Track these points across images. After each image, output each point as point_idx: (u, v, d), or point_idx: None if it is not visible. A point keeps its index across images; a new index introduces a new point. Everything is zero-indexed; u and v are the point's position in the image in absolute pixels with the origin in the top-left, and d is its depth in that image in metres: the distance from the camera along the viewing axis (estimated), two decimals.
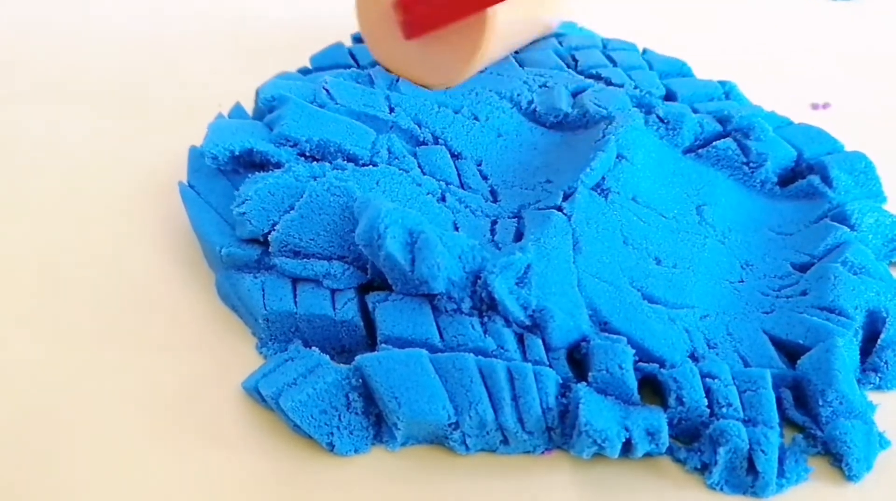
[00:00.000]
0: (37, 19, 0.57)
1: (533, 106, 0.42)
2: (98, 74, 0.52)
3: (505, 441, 0.30)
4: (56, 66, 0.52)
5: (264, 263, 0.34)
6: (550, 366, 0.31)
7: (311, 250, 0.33)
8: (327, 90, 0.41)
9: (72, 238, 0.39)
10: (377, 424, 0.30)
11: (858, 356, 0.32)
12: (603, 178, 0.37)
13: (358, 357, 0.30)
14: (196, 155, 0.39)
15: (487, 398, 0.29)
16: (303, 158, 0.37)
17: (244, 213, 0.34)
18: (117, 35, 0.56)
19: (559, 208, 0.35)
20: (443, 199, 0.37)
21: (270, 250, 0.34)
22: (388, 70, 0.42)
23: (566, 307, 0.31)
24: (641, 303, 0.33)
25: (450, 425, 0.29)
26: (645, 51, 0.49)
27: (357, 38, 0.48)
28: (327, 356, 0.31)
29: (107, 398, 0.32)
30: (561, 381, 0.30)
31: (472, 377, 0.29)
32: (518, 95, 0.43)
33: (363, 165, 0.37)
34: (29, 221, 0.40)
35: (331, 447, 0.29)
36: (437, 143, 0.39)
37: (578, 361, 0.32)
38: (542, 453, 0.30)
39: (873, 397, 0.32)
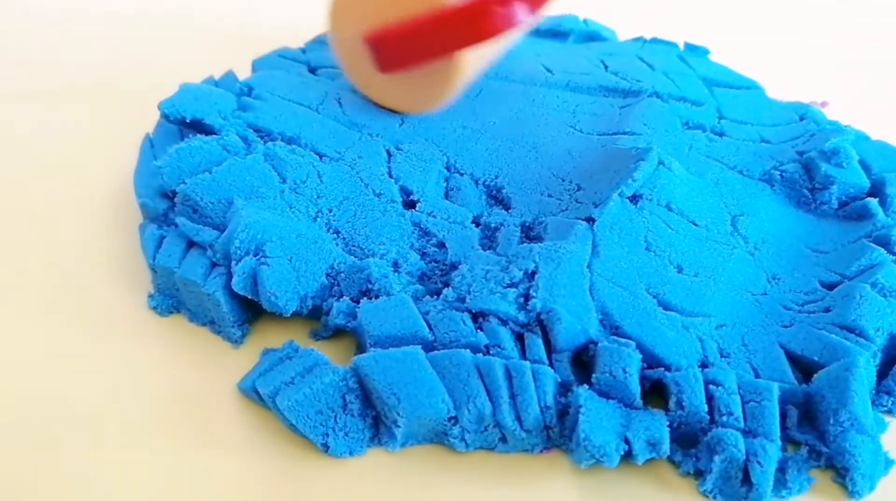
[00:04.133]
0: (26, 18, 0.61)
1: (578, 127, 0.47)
2: (91, 70, 0.56)
3: (503, 440, 0.34)
4: (48, 63, 0.57)
5: (170, 219, 0.40)
6: (553, 367, 0.35)
7: (207, 213, 0.39)
8: (339, 102, 0.47)
9: (60, 237, 0.43)
10: (374, 426, 0.34)
11: (875, 378, 0.36)
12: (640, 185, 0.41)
13: (354, 358, 0.34)
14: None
15: (485, 392, 0.33)
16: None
17: (160, 166, 0.40)
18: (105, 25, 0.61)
19: (590, 219, 0.40)
20: (412, 205, 0.42)
21: (175, 204, 0.40)
22: (365, 95, 0.47)
23: (575, 311, 0.35)
24: (656, 309, 0.37)
25: (449, 419, 0.33)
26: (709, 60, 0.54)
27: None
28: (326, 356, 0.35)
29: (99, 398, 0.35)
30: (560, 380, 0.34)
31: (469, 372, 0.34)
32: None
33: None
34: (20, 219, 0.44)
35: (325, 448, 0.33)
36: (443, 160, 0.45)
37: (586, 363, 0.36)
38: (540, 452, 0.34)
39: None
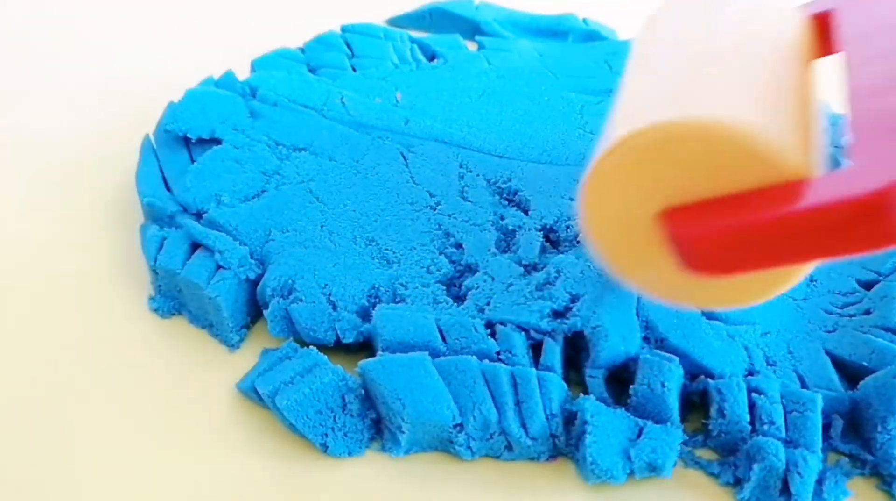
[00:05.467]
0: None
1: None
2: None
3: (509, 448, 0.34)
4: (47, 63, 0.57)
5: (176, 221, 0.40)
6: (586, 382, 0.35)
7: (237, 238, 0.39)
8: (343, 102, 0.47)
9: (60, 237, 0.43)
10: (374, 427, 0.34)
11: None
12: None
13: (360, 363, 0.34)
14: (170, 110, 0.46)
15: (491, 399, 0.33)
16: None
17: (189, 188, 0.41)
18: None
19: None
20: (433, 207, 0.42)
21: (184, 210, 0.41)
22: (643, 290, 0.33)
23: (620, 330, 0.35)
24: (700, 320, 0.37)
25: (455, 427, 0.33)
26: None
27: (346, 30, 0.54)
28: (325, 356, 0.35)
29: (99, 399, 0.36)
30: (567, 388, 0.34)
31: (475, 379, 0.34)
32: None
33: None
34: (20, 219, 0.44)
35: (324, 447, 0.34)
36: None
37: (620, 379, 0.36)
38: (547, 460, 0.34)
39: None
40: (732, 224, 0.27)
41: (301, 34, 0.53)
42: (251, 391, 0.35)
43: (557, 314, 0.36)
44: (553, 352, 0.35)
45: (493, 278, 0.37)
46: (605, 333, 0.35)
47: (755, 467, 0.32)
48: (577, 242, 0.39)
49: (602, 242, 0.31)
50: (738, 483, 0.33)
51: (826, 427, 0.33)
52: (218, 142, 0.44)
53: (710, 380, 0.34)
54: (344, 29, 0.54)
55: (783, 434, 0.33)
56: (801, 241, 0.27)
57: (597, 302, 0.36)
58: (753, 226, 0.27)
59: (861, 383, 0.34)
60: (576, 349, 0.36)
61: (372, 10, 0.58)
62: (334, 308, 0.37)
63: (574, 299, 0.36)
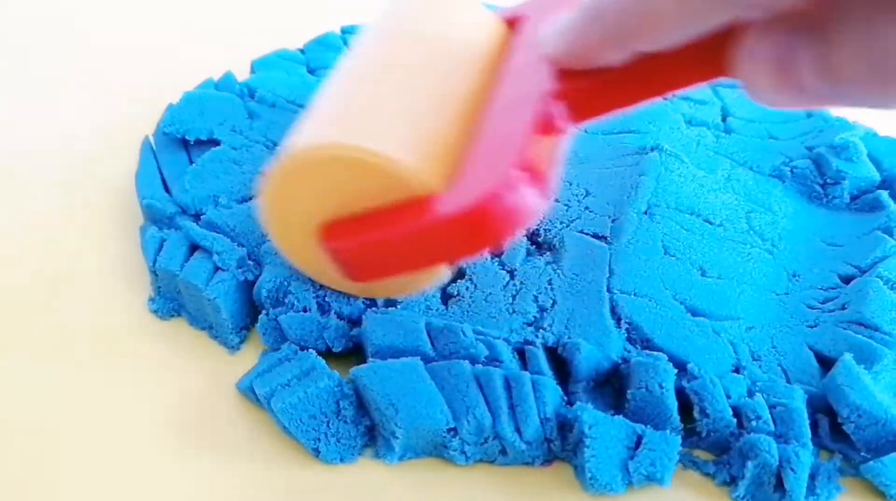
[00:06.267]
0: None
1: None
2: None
3: (503, 452, 0.34)
4: (47, 63, 0.57)
5: (174, 222, 0.40)
6: (568, 396, 0.35)
7: (234, 238, 0.39)
8: None
9: (59, 239, 0.43)
10: (370, 436, 0.34)
11: None
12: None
13: (352, 369, 0.35)
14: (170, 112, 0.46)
15: (485, 403, 0.33)
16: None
17: (187, 189, 0.41)
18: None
19: (607, 237, 0.40)
20: None
21: (184, 211, 0.41)
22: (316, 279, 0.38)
23: (594, 338, 0.35)
24: (684, 317, 0.37)
25: (449, 431, 0.33)
26: None
27: (346, 31, 0.54)
28: (323, 360, 0.35)
29: (98, 401, 0.36)
30: (561, 392, 0.34)
31: (467, 382, 0.34)
32: None
33: None
34: (19, 220, 0.44)
35: (316, 452, 0.34)
36: None
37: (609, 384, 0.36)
38: (542, 465, 0.34)
39: None
40: (367, 240, 0.32)
41: (301, 35, 0.53)
42: (249, 390, 0.35)
43: (532, 325, 0.36)
44: (537, 358, 0.35)
45: (475, 287, 0.37)
46: (577, 346, 0.35)
47: (749, 464, 0.32)
48: (554, 246, 0.39)
49: (281, 241, 0.36)
50: (733, 481, 0.33)
51: (814, 427, 0.34)
52: (216, 143, 0.44)
53: (685, 384, 0.34)
54: (344, 30, 0.54)
55: (772, 427, 0.33)
56: (429, 249, 0.31)
57: (566, 315, 0.36)
58: (386, 241, 0.31)
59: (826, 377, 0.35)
60: (562, 358, 0.36)
61: (372, 10, 0.57)
62: (329, 311, 0.36)
63: (542, 310, 0.36)
